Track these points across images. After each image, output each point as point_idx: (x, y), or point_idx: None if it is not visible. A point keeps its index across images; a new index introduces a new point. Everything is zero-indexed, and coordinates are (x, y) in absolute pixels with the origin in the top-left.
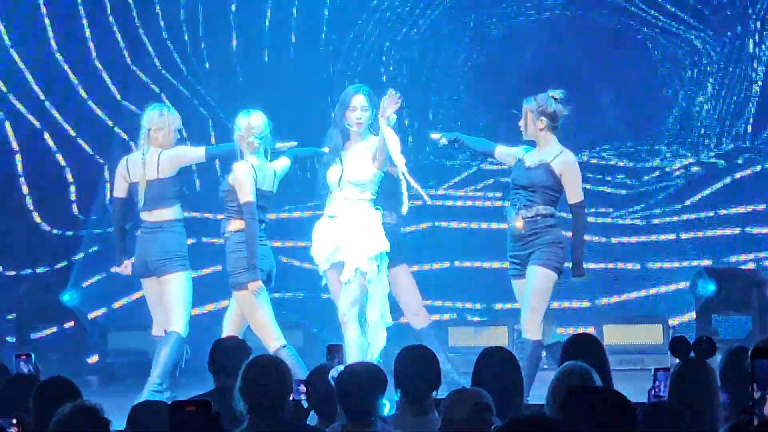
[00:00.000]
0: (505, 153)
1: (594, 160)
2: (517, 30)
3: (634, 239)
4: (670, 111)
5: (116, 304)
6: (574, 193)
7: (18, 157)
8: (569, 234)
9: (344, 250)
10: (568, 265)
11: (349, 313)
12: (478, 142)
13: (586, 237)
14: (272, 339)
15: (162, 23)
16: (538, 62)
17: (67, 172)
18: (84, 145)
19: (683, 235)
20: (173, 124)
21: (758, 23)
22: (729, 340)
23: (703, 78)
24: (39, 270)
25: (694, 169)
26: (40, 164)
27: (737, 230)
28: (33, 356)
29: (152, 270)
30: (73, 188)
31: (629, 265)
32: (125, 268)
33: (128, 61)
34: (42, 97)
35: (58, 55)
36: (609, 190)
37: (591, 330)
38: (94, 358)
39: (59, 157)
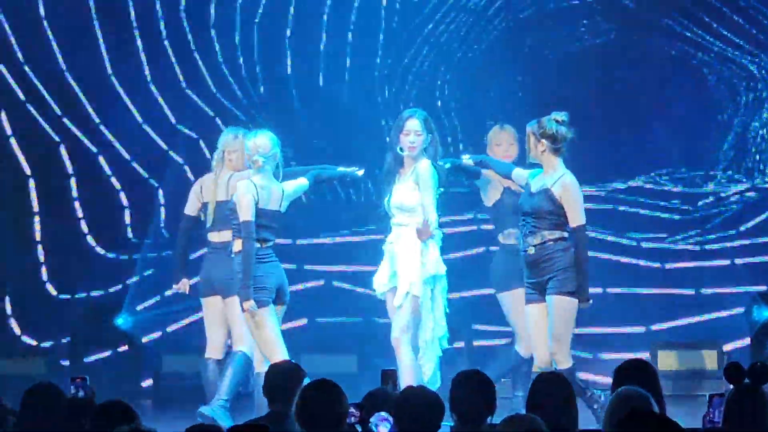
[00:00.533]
0: (519, 176)
1: (648, 185)
2: (572, 55)
3: (688, 264)
4: (725, 136)
5: (170, 328)
6: (573, 216)
7: (73, 181)
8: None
9: (401, 276)
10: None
11: (401, 338)
12: (501, 164)
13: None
14: (276, 357)
15: (217, 47)
16: (592, 87)
17: (121, 195)
18: (138, 168)
19: (738, 261)
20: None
21: None
22: None
23: (759, 103)
24: (93, 293)
25: (749, 194)
26: (95, 188)
27: None
28: (88, 379)
29: (217, 290)
30: (127, 212)
31: (684, 291)
32: (183, 286)
33: (183, 84)
34: (97, 120)
35: (113, 79)
36: (663, 215)
37: (645, 355)
38: (147, 382)
39: (114, 180)
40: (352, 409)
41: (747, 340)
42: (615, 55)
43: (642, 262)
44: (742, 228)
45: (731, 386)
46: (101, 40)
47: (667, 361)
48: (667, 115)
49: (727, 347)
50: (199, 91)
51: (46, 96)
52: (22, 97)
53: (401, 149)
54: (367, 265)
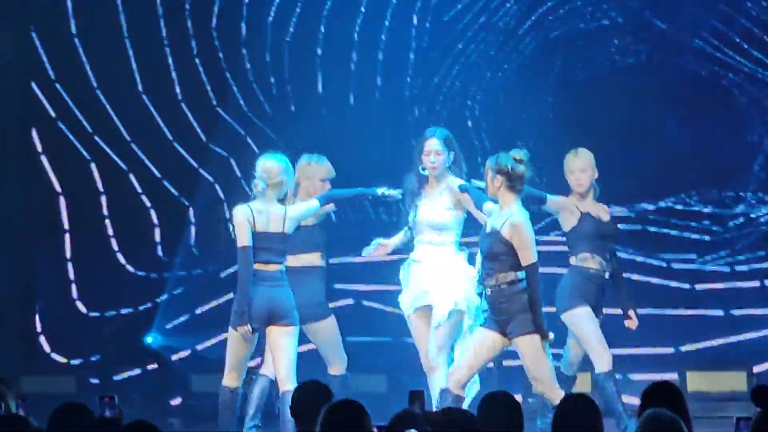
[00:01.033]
0: (486, 211)
1: (678, 206)
2: (602, 75)
3: (718, 286)
4: (755, 157)
5: (199, 347)
6: (523, 256)
7: (103, 199)
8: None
9: (432, 295)
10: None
11: (438, 358)
12: (477, 196)
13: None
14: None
15: (248, 65)
16: (623, 108)
17: (152, 213)
18: (169, 186)
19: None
20: (318, 174)
21: None
22: None
23: None
24: (123, 311)
25: None
26: (125, 205)
27: None
28: (116, 398)
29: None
30: (157, 230)
31: (713, 312)
32: None
33: (214, 102)
34: (128, 138)
35: (144, 97)
36: (693, 236)
37: (674, 376)
38: (176, 401)
39: (144, 198)
40: (375, 430)
41: None
42: (646, 76)
43: (672, 283)
44: None
45: (759, 408)
46: (132, 58)
47: (696, 382)
48: (698, 135)
49: (757, 369)
50: (229, 109)
51: (77, 113)
52: (53, 114)
53: (423, 169)
54: (397, 284)
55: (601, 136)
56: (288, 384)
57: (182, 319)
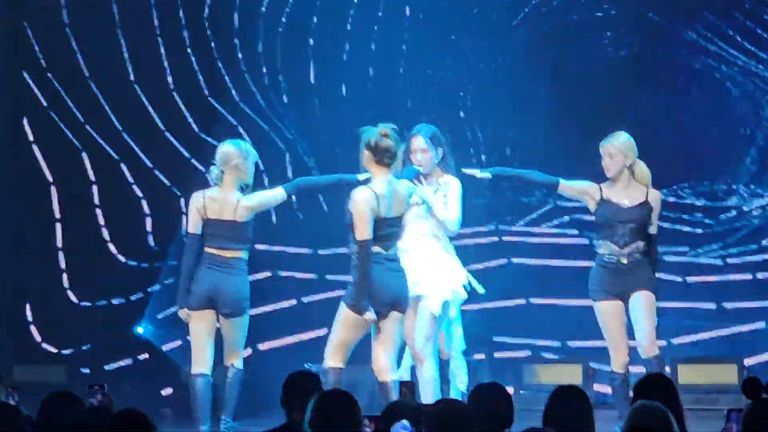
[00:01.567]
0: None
1: (671, 199)
2: (595, 67)
3: (710, 278)
4: (747, 150)
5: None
6: (356, 231)
7: (95, 188)
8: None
9: (423, 285)
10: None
11: (425, 348)
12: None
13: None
14: (194, 364)
15: (240, 55)
16: (615, 100)
17: (143, 203)
18: (161, 176)
19: (759, 275)
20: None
21: None
22: None
23: None
24: (114, 301)
25: None
26: (117, 195)
27: None
28: (105, 387)
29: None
30: (149, 220)
31: (705, 305)
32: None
33: (206, 93)
34: (119, 127)
35: (135, 86)
36: (686, 229)
37: (666, 369)
38: (167, 390)
39: (136, 188)
40: (366, 421)
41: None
42: (638, 68)
43: (664, 276)
44: (764, 242)
45: (750, 401)
46: (124, 48)
47: (687, 375)
48: (690, 128)
49: (748, 362)
50: (221, 100)
51: (69, 103)
52: (44, 103)
53: (411, 164)
54: None
55: (593, 128)
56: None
57: (173, 309)
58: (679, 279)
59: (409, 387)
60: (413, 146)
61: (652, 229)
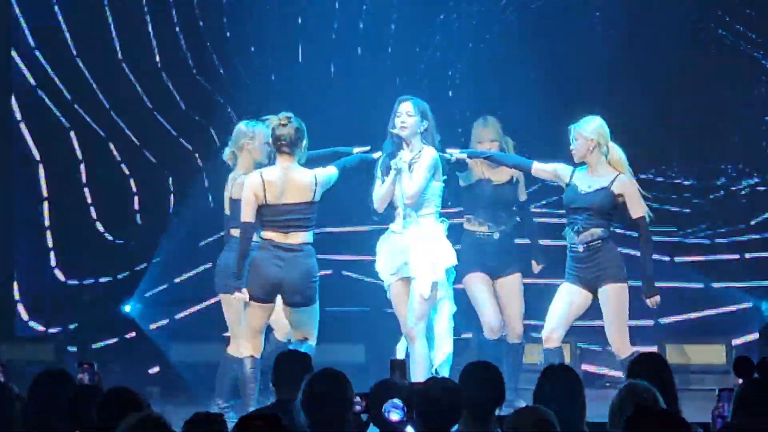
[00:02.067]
0: None
1: (659, 179)
2: (584, 46)
3: (698, 258)
4: (736, 130)
5: (178, 316)
6: None
7: (82, 167)
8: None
9: (413, 266)
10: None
11: (417, 328)
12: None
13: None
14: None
15: (228, 34)
16: (603, 79)
17: (131, 181)
18: (148, 155)
19: (747, 255)
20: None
21: None
22: None
23: None
24: (101, 280)
25: (760, 188)
26: (105, 174)
27: None
28: (95, 365)
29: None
30: (136, 198)
31: (693, 285)
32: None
33: (194, 71)
34: (107, 106)
35: (123, 65)
36: (674, 208)
37: (653, 349)
38: (154, 369)
39: (123, 166)
40: (357, 399)
41: (755, 335)
42: (627, 48)
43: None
44: (752, 222)
45: (740, 380)
46: (112, 26)
47: (675, 355)
48: (678, 107)
49: (736, 342)
50: (209, 78)
51: (57, 81)
52: (32, 82)
53: (392, 128)
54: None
55: (581, 108)
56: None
57: (160, 288)
58: (666, 258)
59: (400, 365)
60: (400, 108)
61: (633, 214)
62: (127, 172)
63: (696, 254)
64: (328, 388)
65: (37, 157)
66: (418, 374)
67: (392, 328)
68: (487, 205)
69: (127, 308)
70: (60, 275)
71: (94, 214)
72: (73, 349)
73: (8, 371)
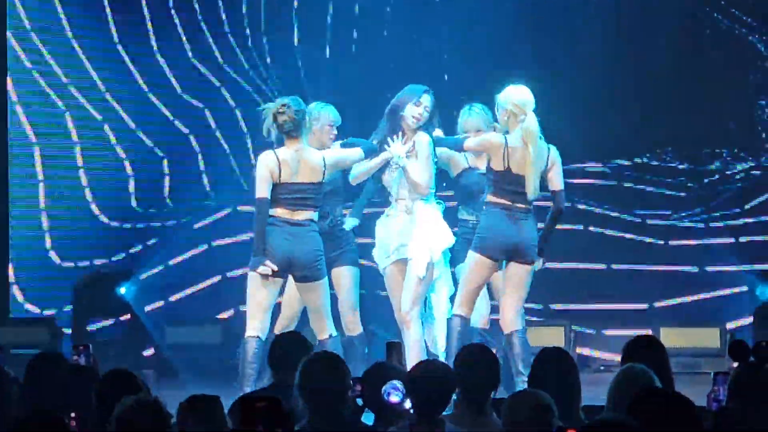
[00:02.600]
0: None
1: (654, 163)
2: (580, 29)
3: (692, 242)
4: (731, 115)
5: (173, 298)
6: None
7: (78, 149)
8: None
9: (409, 248)
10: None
11: (412, 312)
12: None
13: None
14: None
15: (224, 16)
16: (598, 62)
17: (126, 164)
18: (144, 137)
19: (742, 239)
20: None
21: None
22: None
23: (766, 81)
24: (96, 262)
25: (754, 173)
26: (100, 156)
27: None
28: (90, 347)
29: None
30: (132, 180)
31: (687, 268)
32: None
33: (189, 54)
34: (102, 89)
35: (119, 48)
36: (669, 192)
37: (648, 332)
38: (149, 352)
39: (119, 149)
40: (356, 384)
41: (749, 319)
42: (623, 31)
43: (646, 239)
44: (746, 206)
45: (734, 364)
46: (108, 8)
47: (669, 338)
48: (674, 91)
49: (730, 325)
50: (205, 61)
51: (53, 63)
52: (28, 64)
53: (403, 113)
54: (371, 238)
55: (578, 91)
56: None
57: (156, 270)
58: (661, 242)
59: (397, 348)
60: (422, 99)
61: (551, 186)
62: (122, 155)
63: (690, 238)
64: (324, 372)
65: (33, 139)
66: (412, 360)
67: (386, 311)
68: (475, 194)
69: (122, 290)
70: (55, 257)
71: (89, 197)
72: (68, 331)
73: (3, 354)
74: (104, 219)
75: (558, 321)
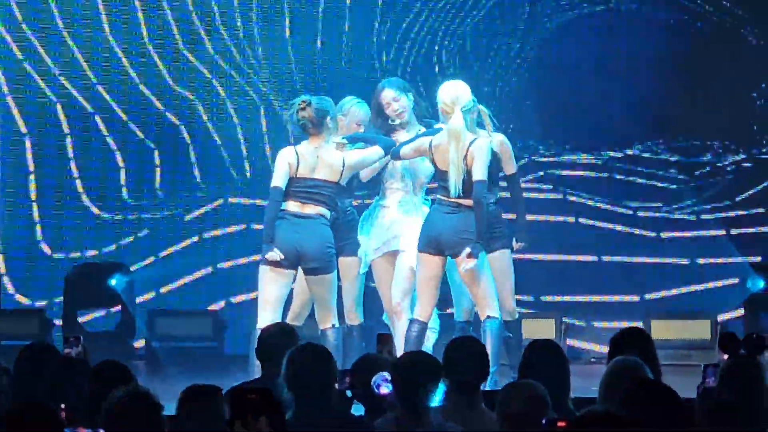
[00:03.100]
0: None
1: (645, 155)
2: (570, 22)
3: (683, 234)
4: (722, 107)
5: (164, 290)
6: None
7: (68, 141)
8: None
9: (401, 239)
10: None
11: (403, 303)
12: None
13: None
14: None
15: (215, 8)
16: (590, 55)
17: (117, 156)
18: (135, 129)
19: (733, 231)
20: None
21: None
22: None
23: (757, 73)
24: (87, 253)
25: (745, 165)
26: (91, 147)
27: None
28: (81, 338)
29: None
30: (123, 172)
31: (678, 260)
32: None
33: (180, 45)
34: (93, 80)
35: (110, 39)
36: (660, 184)
37: (639, 324)
38: (140, 343)
39: (110, 140)
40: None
41: (740, 311)
42: (614, 23)
43: (637, 231)
44: (738, 198)
45: (725, 356)
46: (100, 1)
47: (660, 330)
48: (665, 84)
49: (721, 317)
50: (196, 53)
51: (44, 55)
52: (19, 55)
53: (392, 120)
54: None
55: (569, 84)
56: None
57: (146, 261)
58: (652, 234)
59: (387, 340)
60: (383, 99)
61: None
62: (114, 146)
63: (682, 230)
64: (310, 363)
65: (23, 130)
66: (402, 350)
67: (375, 303)
68: None
69: (113, 282)
70: (46, 249)
71: (80, 188)
72: (58, 322)
73: None
74: (95, 210)
75: (549, 313)
